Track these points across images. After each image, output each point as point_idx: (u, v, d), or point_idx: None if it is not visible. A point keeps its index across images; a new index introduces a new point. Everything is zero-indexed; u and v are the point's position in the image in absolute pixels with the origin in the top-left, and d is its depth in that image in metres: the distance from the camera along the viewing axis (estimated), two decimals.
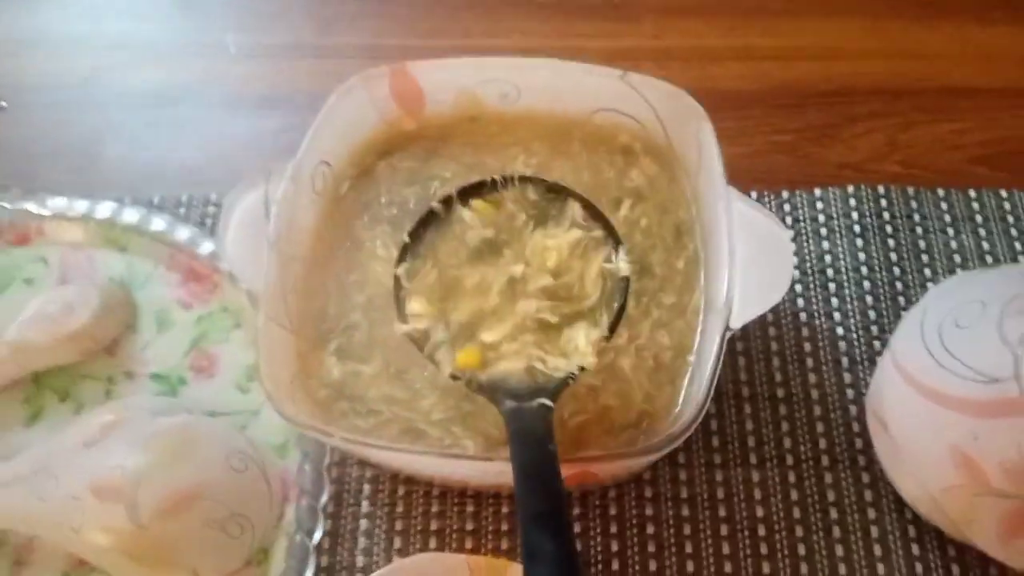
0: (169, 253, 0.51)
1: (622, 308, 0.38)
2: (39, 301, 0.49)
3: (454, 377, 0.37)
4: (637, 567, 0.43)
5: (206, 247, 0.51)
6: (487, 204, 0.41)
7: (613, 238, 0.39)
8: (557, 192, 0.41)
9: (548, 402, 0.36)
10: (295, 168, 0.43)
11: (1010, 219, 0.51)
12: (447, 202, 0.41)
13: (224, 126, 0.57)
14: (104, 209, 0.52)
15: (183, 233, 0.51)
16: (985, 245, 0.51)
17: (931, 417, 0.39)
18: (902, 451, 0.41)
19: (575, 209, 0.40)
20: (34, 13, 0.62)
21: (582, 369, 0.37)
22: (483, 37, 0.60)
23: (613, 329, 0.38)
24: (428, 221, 0.41)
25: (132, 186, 0.54)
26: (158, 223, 0.51)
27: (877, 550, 0.43)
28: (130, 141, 0.57)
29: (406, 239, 0.40)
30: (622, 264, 0.39)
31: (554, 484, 0.33)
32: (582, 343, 0.38)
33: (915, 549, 0.43)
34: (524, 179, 0.41)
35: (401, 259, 0.40)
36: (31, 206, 0.52)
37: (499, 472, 0.36)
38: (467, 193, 0.41)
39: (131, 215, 0.52)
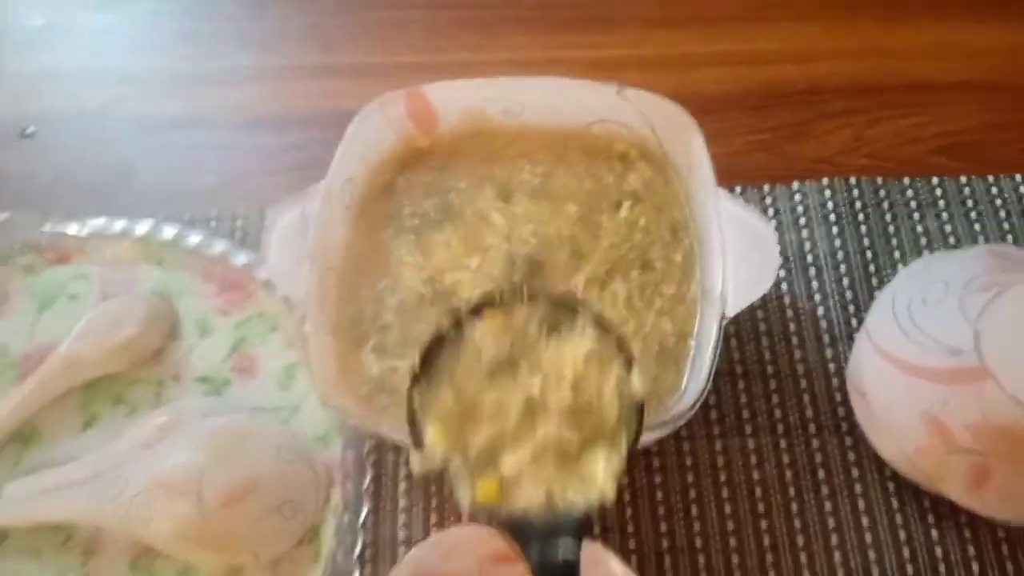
0: (205, 265, 0.55)
1: (638, 434, 0.36)
2: (88, 316, 0.53)
3: (473, 512, 0.37)
4: (650, 530, 0.48)
5: (240, 258, 0.55)
6: (497, 315, 0.39)
7: (625, 353, 0.38)
8: (566, 302, 0.39)
9: (574, 547, 0.35)
10: (326, 188, 0.48)
11: (969, 203, 0.56)
12: (456, 323, 0.39)
13: (240, 146, 0.61)
14: (142, 227, 0.56)
15: (218, 246, 0.55)
16: (947, 228, 0.56)
17: (904, 386, 0.45)
18: (879, 417, 0.47)
19: (586, 317, 0.38)
20: (50, 49, 0.65)
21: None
22: (475, 51, 0.64)
23: (630, 455, 0.36)
24: (439, 343, 0.38)
25: (158, 209, 0.57)
26: (193, 238, 0.55)
27: (861, 505, 0.48)
28: (153, 166, 0.61)
29: (416, 363, 0.38)
30: (636, 382, 0.37)
31: None
32: (601, 474, 0.36)
33: (894, 503, 0.48)
34: (532, 296, 0.39)
35: (413, 383, 0.38)
36: (71, 227, 0.56)
37: None
38: (476, 311, 0.39)
39: (168, 231, 0.56)
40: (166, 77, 0.63)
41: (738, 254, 0.44)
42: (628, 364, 0.37)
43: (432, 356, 0.38)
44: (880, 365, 0.46)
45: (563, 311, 0.38)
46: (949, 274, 0.46)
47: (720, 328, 0.42)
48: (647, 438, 0.45)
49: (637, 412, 0.37)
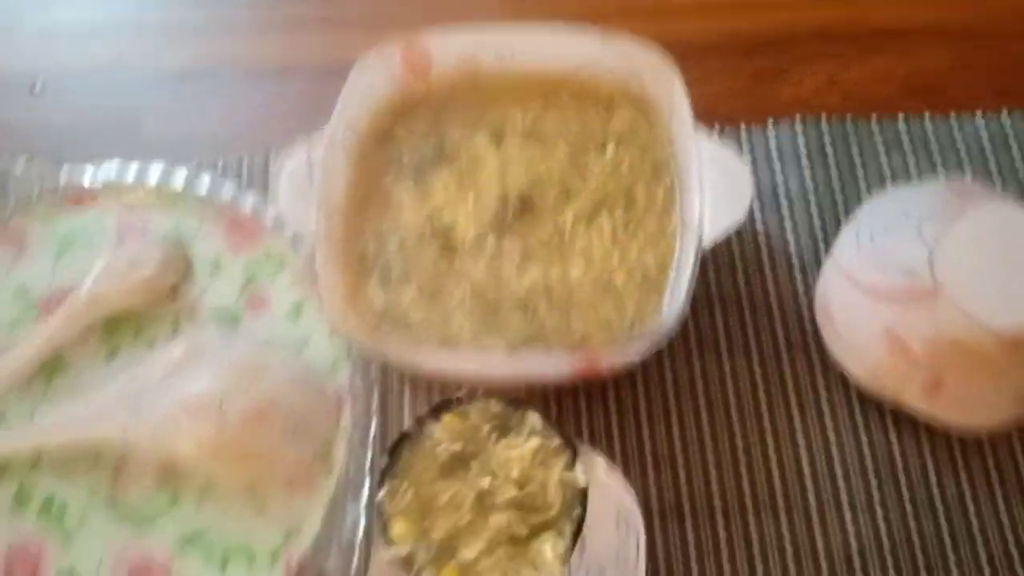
0: (215, 209, 0.59)
1: (582, 518, 0.40)
2: (107, 257, 0.57)
3: None
4: (633, 440, 0.53)
5: (248, 202, 0.58)
6: (454, 417, 0.42)
7: (570, 447, 0.41)
8: (517, 406, 0.42)
9: None
10: (329, 134, 0.51)
11: (931, 142, 0.60)
12: (419, 422, 0.42)
13: (245, 97, 0.64)
14: (154, 174, 0.59)
15: (227, 191, 0.58)
16: (911, 165, 0.59)
17: (866, 307, 0.49)
18: (844, 336, 0.51)
19: (534, 419, 0.42)
20: (59, 5, 0.68)
21: None
22: (470, 3, 0.66)
23: (575, 538, 0.40)
24: (403, 442, 0.42)
25: (167, 157, 0.60)
26: (203, 183, 0.59)
27: (827, 418, 0.53)
28: (162, 117, 0.63)
29: (385, 460, 0.41)
30: (579, 475, 0.40)
31: None
32: (549, 556, 0.39)
33: (858, 416, 0.53)
34: (488, 393, 0.43)
35: (381, 482, 0.41)
36: (87, 174, 0.59)
37: (518, 368, 0.47)
38: (438, 411, 0.42)
39: (179, 177, 0.59)
40: (173, 30, 0.66)
41: (715, 189, 0.48)
42: (572, 458, 0.41)
43: (397, 454, 0.41)
44: (845, 288, 0.50)
45: (514, 413, 0.42)
46: (909, 205, 0.50)
47: (697, 255, 0.46)
48: (634, 357, 0.49)
49: (581, 499, 0.40)
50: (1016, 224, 0.47)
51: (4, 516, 0.52)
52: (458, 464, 0.41)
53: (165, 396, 0.51)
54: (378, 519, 0.41)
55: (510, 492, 0.40)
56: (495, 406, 0.43)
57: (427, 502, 0.41)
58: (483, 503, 0.40)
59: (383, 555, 0.40)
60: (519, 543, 0.40)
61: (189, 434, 0.49)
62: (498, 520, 0.40)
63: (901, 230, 0.49)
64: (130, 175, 0.59)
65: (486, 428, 0.42)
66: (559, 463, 0.41)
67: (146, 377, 0.53)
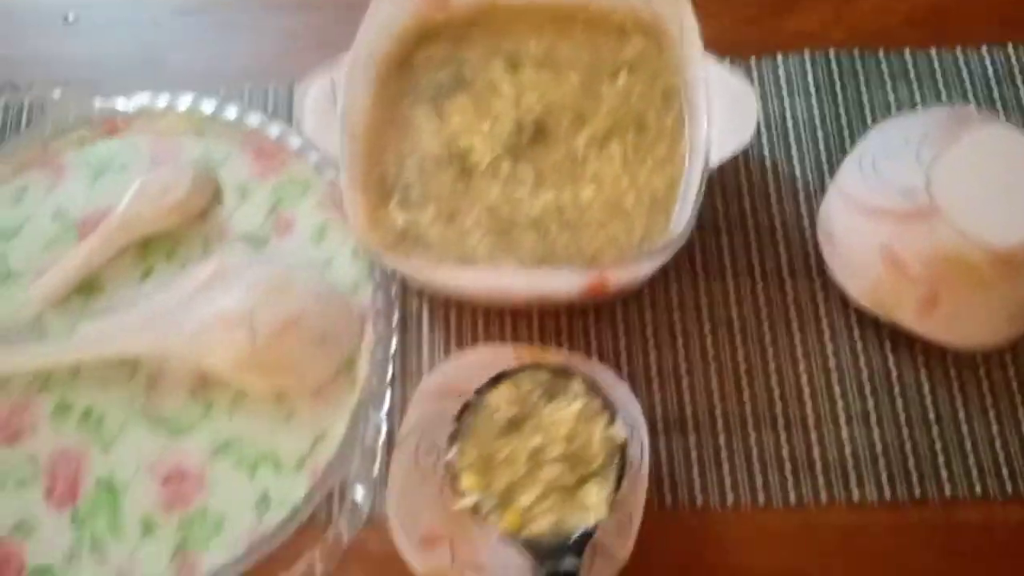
0: (242, 136, 0.61)
1: (623, 467, 0.47)
2: (142, 180, 0.59)
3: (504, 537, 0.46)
4: (640, 357, 0.55)
5: (274, 129, 0.60)
6: (509, 385, 0.49)
7: (609, 408, 0.48)
8: (563, 374, 0.49)
9: (576, 562, 0.45)
10: (351, 59, 0.53)
11: (937, 74, 0.62)
12: (479, 393, 0.49)
13: (268, 28, 0.66)
14: (184, 101, 0.62)
15: (254, 119, 0.61)
16: (917, 97, 0.61)
17: (865, 226, 0.51)
18: (844, 255, 0.53)
19: (578, 385, 0.48)
20: None
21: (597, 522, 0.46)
22: None
23: (619, 483, 0.46)
24: (467, 409, 0.48)
25: (196, 86, 0.63)
26: (231, 111, 0.61)
27: (826, 336, 0.55)
28: (187, 48, 0.66)
29: (454, 426, 0.48)
30: (619, 430, 0.47)
31: None
32: (595, 500, 0.46)
33: (856, 334, 0.55)
34: (536, 365, 0.50)
35: (451, 444, 0.48)
36: (120, 102, 0.62)
37: (531, 284, 0.49)
38: (495, 381, 0.49)
39: (208, 105, 0.61)
40: None
41: (722, 111, 0.50)
42: (612, 417, 0.48)
43: (462, 420, 0.48)
44: (846, 210, 0.53)
45: (560, 379, 0.49)
46: (910, 131, 0.52)
47: (703, 176, 0.48)
48: (642, 273, 0.52)
49: (621, 452, 0.47)
50: (1010, 146, 0.48)
51: (46, 425, 0.56)
52: (514, 426, 0.48)
53: (198, 311, 0.54)
54: (448, 475, 0.48)
55: (559, 448, 0.47)
56: (543, 374, 0.49)
57: (489, 459, 0.48)
58: (536, 458, 0.47)
59: (457, 505, 0.47)
60: (568, 491, 0.47)
61: (222, 345, 0.53)
62: (550, 472, 0.47)
63: (901, 154, 0.51)
64: (160, 104, 0.62)
65: (536, 394, 0.49)
66: (601, 421, 0.48)
67: (179, 294, 0.56)
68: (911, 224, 0.49)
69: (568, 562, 0.45)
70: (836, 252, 0.54)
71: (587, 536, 0.46)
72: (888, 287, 0.51)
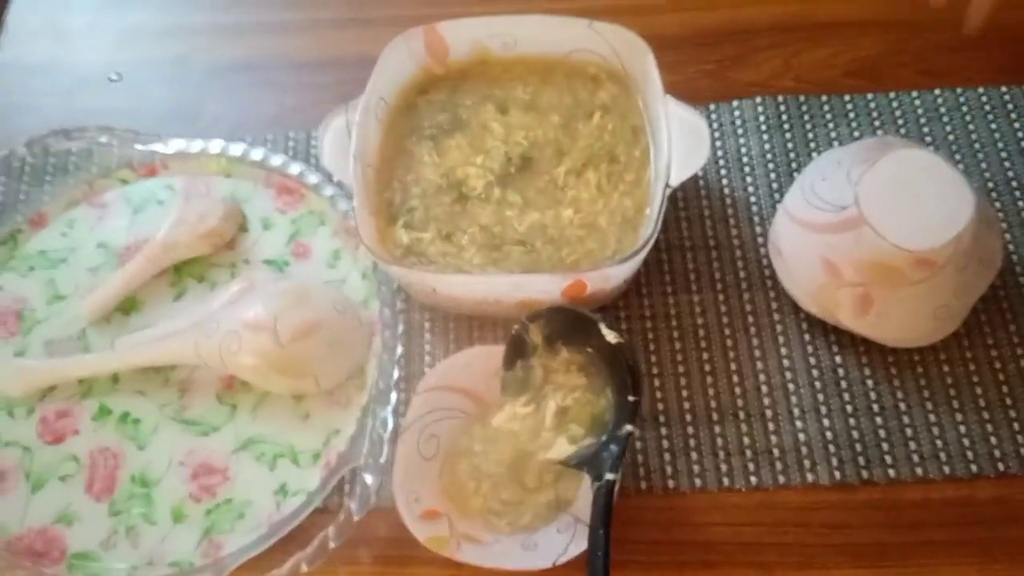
0: (266, 175, 0.70)
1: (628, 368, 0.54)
2: (179, 210, 0.67)
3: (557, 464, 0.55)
4: None
5: (294, 168, 0.69)
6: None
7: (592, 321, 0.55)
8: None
9: (612, 477, 0.52)
10: (364, 102, 0.62)
11: (874, 114, 0.70)
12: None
13: (292, 85, 0.75)
14: (215, 146, 0.70)
15: (276, 160, 0.69)
16: (856, 134, 0.69)
17: (807, 240, 0.59)
18: (792, 268, 0.61)
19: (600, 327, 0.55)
20: (136, 9, 0.80)
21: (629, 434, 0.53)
22: (480, 3, 0.77)
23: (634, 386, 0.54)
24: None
25: (226, 135, 0.71)
26: (256, 153, 0.69)
27: (780, 340, 0.63)
28: (222, 102, 0.75)
29: (503, 371, 0.58)
30: (609, 335, 0.55)
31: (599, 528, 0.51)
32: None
33: (806, 337, 0.62)
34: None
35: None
36: (159, 146, 0.71)
37: (516, 287, 0.57)
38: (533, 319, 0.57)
39: (236, 149, 0.70)
40: (230, 30, 0.78)
41: (680, 140, 0.58)
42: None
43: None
44: (790, 228, 0.61)
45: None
46: (842, 156, 0.61)
47: (664, 193, 0.56)
48: (615, 274, 0.58)
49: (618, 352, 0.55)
50: (927, 164, 0.56)
51: (88, 427, 0.63)
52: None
53: (227, 319, 0.61)
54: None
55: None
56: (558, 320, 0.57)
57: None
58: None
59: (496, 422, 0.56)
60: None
61: (248, 346, 0.60)
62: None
63: (835, 175, 0.59)
64: (194, 149, 0.71)
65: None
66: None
67: (211, 307, 0.63)
68: (843, 235, 0.57)
69: (606, 479, 0.52)
70: (785, 265, 0.61)
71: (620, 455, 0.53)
72: (828, 292, 0.58)
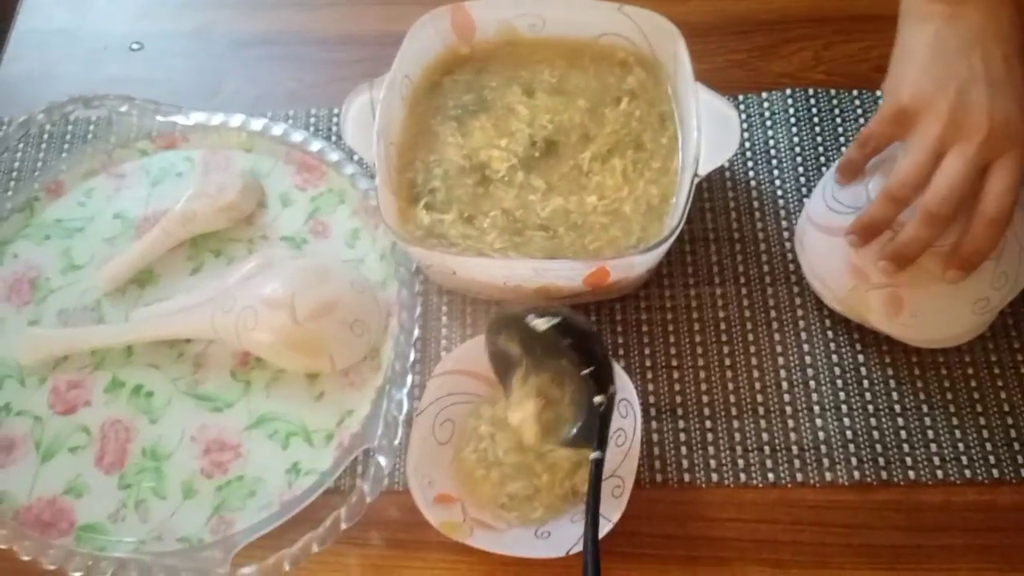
0: (286, 151, 0.69)
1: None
2: (197, 184, 0.67)
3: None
4: (636, 352, 0.62)
5: (314, 145, 0.68)
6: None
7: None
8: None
9: (599, 455, 0.52)
10: (389, 80, 0.61)
11: None
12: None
13: (314, 60, 0.75)
14: (235, 120, 0.69)
15: (297, 136, 0.68)
16: None
17: (834, 248, 0.58)
18: (817, 268, 0.60)
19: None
20: None
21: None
22: None
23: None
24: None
25: (248, 110, 0.70)
26: (277, 129, 0.69)
27: (803, 336, 0.62)
28: (242, 75, 0.74)
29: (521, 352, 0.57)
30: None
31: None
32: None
33: (830, 334, 0.62)
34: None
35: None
36: (179, 118, 0.70)
37: (540, 275, 0.56)
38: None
39: (256, 123, 0.69)
40: (253, 2, 0.77)
41: (709, 129, 0.57)
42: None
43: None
44: (813, 232, 0.60)
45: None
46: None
47: (693, 181, 0.56)
48: (638, 264, 0.58)
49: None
50: None
51: (100, 399, 0.63)
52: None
53: (244, 295, 0.61)
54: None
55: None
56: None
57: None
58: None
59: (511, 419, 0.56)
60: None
61: (265, 322, 0.59)
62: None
63: (854, 185, 0.58)
64: (214, 122, 0.70)
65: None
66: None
67: (227, 283, 0.63)
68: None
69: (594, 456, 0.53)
70: (810, 264, 0.60)
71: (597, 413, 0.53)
72: (857, 296, 0.57)
